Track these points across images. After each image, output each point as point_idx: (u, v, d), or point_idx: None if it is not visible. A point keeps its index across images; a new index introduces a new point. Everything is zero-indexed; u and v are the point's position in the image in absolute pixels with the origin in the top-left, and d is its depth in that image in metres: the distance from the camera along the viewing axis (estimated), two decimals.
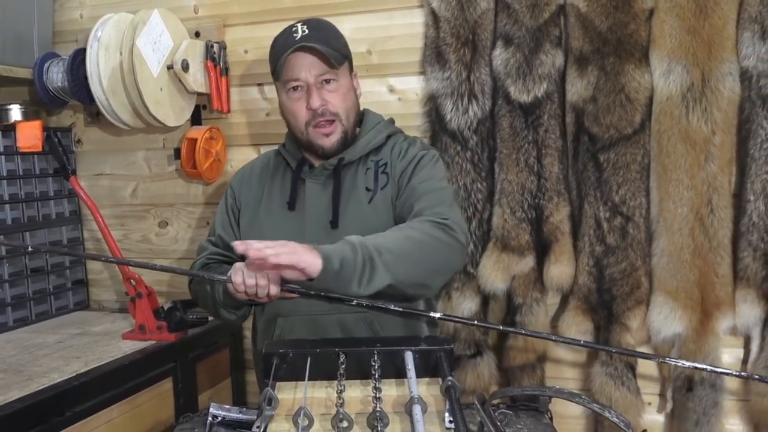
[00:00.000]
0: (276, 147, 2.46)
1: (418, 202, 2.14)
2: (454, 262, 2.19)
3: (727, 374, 2.37)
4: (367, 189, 2.24)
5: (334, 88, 2.22)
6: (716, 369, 2.22)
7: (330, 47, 2.18)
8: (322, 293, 1.95)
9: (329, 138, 2.22)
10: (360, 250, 1.92)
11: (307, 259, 1.85)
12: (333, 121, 2.21)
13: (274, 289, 1.96)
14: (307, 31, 2.19)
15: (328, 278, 1.88)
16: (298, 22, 2.23)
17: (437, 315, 2.09)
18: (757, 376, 2.25)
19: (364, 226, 2.12)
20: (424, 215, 2.09)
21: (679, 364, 2.39)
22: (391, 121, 2.42)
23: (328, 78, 2.20)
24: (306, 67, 2.18)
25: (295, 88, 2.22)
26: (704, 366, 2.15)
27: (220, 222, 2.39)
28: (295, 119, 2.25)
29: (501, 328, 2.32)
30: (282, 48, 2.20)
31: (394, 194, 2.22)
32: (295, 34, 2.19)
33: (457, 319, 2.26)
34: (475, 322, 2.44)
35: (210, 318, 2.92)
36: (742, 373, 2.31)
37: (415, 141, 2.36)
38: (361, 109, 2.39)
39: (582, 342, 2.46)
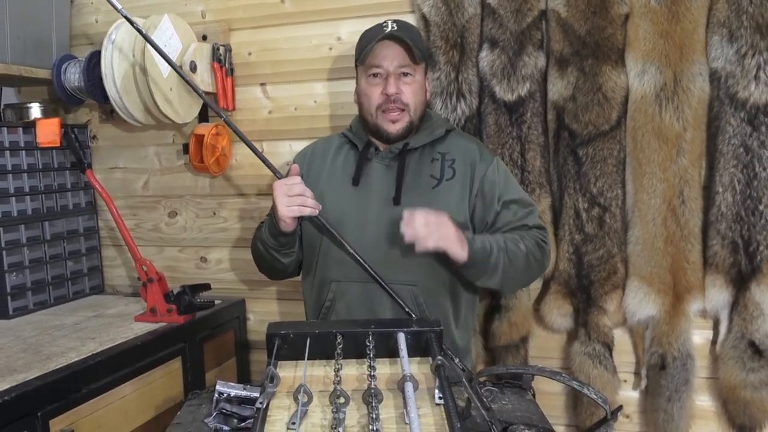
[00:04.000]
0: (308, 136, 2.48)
1: (527, 219, 2.30)
2: (536, 278, 2.52)
3: None
4: (433, 177, 2.29)
5: (410, 81, 2.27)
6: None
7: (415, 45, 2.24)
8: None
9: (395, 125, 2.27)
10: (496, 254, 2.14)
11: (456, 250, 2.07)
12: (402, 110, 2.27)
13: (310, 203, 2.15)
14: (396, 27, 2.25)
15: (464, 267, 2.14)
16: (388, 20, 2.29)
17: None
18: None
19: (424, 207, 2.18)
20: (533, 232, 2.29)
21: None
22: (446, 119, 2.51)
23: (406, 71, 2.26)
24: (389, 57, 2.24)
25: (375, 75, 2.28)
26: None
27: None
28: (368, 102, 2.30)
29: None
30: (371, 37, 2.27)
31: (468, 193, 2.29)
32: (385, 28, 2.26)
33: None
34: None
35: (216, 302, 2.93)
36: None
37: (481, 143, 2.48)
38: None
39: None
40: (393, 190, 2.26)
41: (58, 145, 2.81)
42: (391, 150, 2.31)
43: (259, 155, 2.34)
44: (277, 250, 2.26)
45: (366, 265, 2.18)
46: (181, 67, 2.83)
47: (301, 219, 2.22)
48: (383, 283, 2.18)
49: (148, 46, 2.71)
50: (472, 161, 2.31)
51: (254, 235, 2.44)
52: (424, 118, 2.39)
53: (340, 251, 2.26)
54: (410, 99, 2.27)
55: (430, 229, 2.04)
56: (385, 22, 2.28)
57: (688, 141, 2.48)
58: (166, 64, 2.80)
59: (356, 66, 2.38)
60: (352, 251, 2.19)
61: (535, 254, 2.25)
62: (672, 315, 2.56)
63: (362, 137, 2.36)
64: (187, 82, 2.47)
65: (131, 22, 2.41)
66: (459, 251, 2.08)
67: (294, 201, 2.11)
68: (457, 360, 2.19)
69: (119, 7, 2.40)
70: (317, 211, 2.16)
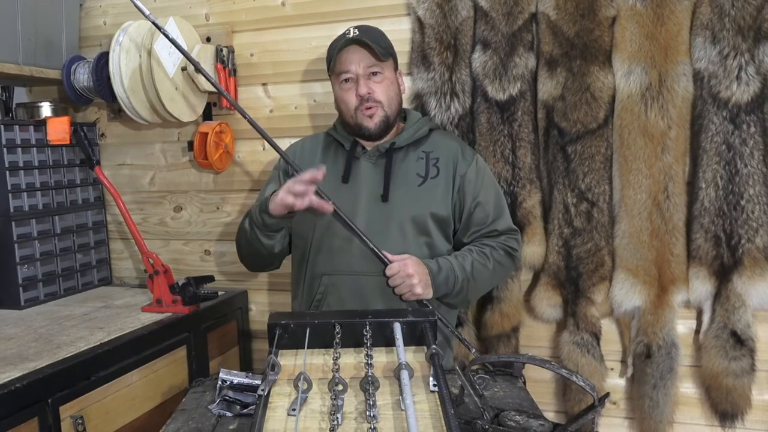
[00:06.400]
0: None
1: (497, 222, 2.36)
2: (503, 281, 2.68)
3: None
4: (418, 175, 2.32)
5: (380, 80, 2.30)
6: None
7: (376, 44, 2.25)
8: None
9: (372, 119, 2.30)
10: (460, 283, 2.22)
11: (422, 295, 2.16)
12: (376, 105, 2.29)
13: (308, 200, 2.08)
14: (357, 32, 2.29)
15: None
16: (350, 27, 2.33)
17: None
18: None
19: (410, 204, 2.28)
20: (502, 238, 2.35)
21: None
22: (428, 118, 2.54)
23: (375, 71, 2.29)
24: (355, 60, 2.27)
25: (346, 80, 2.30)
26: None
27: (270, 189, 2.42)
28: (346, 106, 2.33)
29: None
30: (336, 45, 2.30)
31: (451, 189, 2.32)
32: (347, 35, 2.29)
33: None
34: None
35: (220, 293, 2.93)
36: None
37: (462, 142, 2.50)
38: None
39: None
40: (381, 187, 2.28)
41: (67, 142, 2.80)
42: (378, 149, 2.33)
43: (277, 149, 2.37)
44: (260, 229, 2.23)
45: (383, 258, 2.18)
46: (185, 68, 2.84)
47: (293, 214, 2.17)
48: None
49: (154, 48, 2.71)
50: (455, 159, 2.34)
51: (239, 226, 2.41)
52: (408, 118, 2.43)
53: (331, 245, 2.27)
54: (382, 96, 2.29)
55: (401, 287, 2.15)
56: (347, 29, 2.32)
57: (672, 138, 2.48)
58: (171, 65, 2.80)
59: (330, 77, 2.40)
60: (372, 247, 2.19)
61: (504, 263, 2.34)
62: (657, 306, 2.56)
63: (348, 138, 2.38)
64: (220, 91, 2.45)
65: (165, 34, 2.41)
66: (425, 294, 2.17)
67: (295, 189, 2.06)
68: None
69: (153, 19, 2.41)
70: (331, 207, 2.11)
